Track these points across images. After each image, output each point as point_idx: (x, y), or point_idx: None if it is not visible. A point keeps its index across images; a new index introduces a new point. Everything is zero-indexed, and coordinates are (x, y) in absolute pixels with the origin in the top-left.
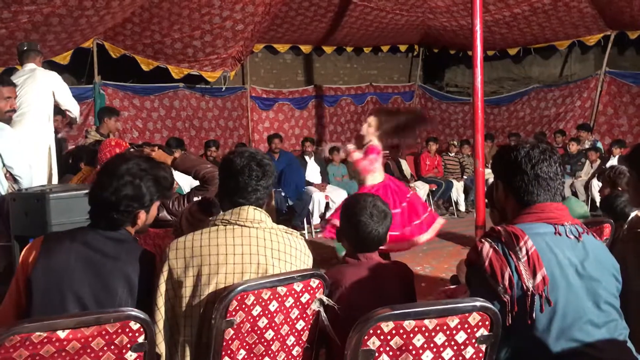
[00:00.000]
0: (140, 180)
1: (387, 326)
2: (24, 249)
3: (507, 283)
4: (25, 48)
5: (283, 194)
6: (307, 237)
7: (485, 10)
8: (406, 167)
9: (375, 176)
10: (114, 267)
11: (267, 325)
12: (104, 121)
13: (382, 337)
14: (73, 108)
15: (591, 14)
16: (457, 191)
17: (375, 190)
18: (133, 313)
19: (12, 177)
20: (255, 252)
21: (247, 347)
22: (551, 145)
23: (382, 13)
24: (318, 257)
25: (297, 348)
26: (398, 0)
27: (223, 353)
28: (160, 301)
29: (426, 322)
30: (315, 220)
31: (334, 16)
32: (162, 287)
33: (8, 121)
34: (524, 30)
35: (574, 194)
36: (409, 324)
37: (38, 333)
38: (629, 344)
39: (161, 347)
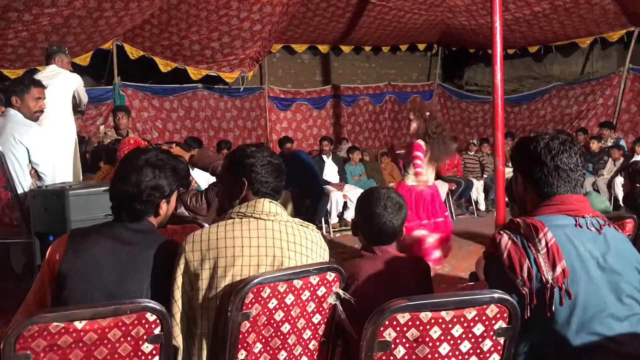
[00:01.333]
0: (159, 171)
1: (403, 317)
2: (50, 246)
3: (525, 275)
4: (50, 51)
5: (302, 194)
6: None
7: (505, 9)
8: None
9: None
10: (140, 258)
11: (283, 319)
12: (115, 121)
13: (398, 329)
14: (85, 102)
15: (613, 11)
16: (477, 190)
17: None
18: (150, 304)
19: (36, 175)
20: (271, 245)
21: (263, 340)
22: (571, 136)
23: (400, 13)
24: (337, 256)
25: (313, 342)
26: (416, 0)
27: (239, 346)
28: (177, 294)
29: (443, 313)
30: (333, 219)
31: (351, 16)
32: (179, 280)
33: (35, 121)
34: (544, 28)
35: (597, 192)
36: (425, 316)
37: (55, 323)
38: None
39: (178, 340)
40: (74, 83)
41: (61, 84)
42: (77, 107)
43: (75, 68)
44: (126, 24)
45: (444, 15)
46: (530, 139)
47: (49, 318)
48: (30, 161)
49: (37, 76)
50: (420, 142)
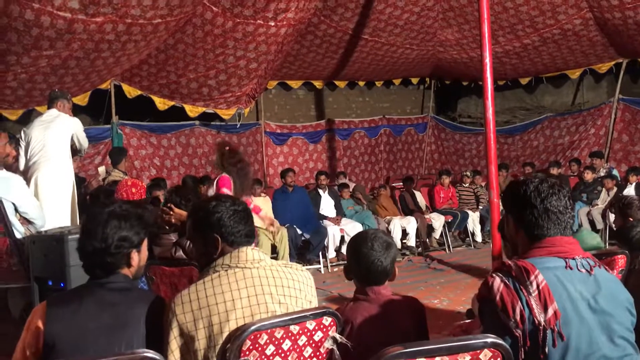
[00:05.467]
0: (125, 221)
1: None
2: (30, 317)
3: (518, 317)
4: (52, 96)
5: (298, 229)
6: (322, 271)
7: (495, 42)
8: (421, 199)
9: None
10: (126, 318)
11: None
12: (123, 161)
13: None
14: (85, 146)
15: (601, 42)
16: (473, 222)
17: None
18: (149, 354)
19: (26, 221)
20: (261, 292)
21: None
22: (559, 179)
23: (392, 48)
24: (336, 291)
25: None
26: (408, 35)
27: None
28: (172, 359)
29: (437, 359)
30: (331, 254)
31: (344, 52)
32: (173, 345)
33: (7, 165)
34: (534, 60)
35: (591, 222)
36: None
37: None
38: None
39: None
40: (73, 127)
41: (60, 128)
42: (77, 152)
43: (74, 108)
44: (123, 64)
45: (435, 49)
46: (520, 182)
47: None
48: (16, 211)
49: (38, 119)
50: (225, 175)
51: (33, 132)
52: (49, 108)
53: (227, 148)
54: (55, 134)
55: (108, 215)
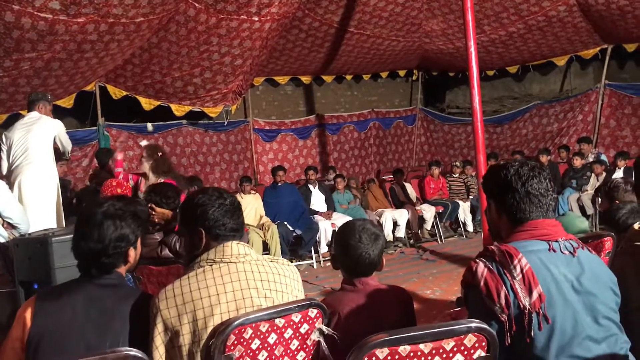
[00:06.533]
0: (120, 220)
1: (382, 353)
2: (18, 311)
3: (503, 302)
4: (32, 98)
5: (289, 226)
6: (315, 267)
7: (480, 31)
8: (411, 191)
9: None
10: (113, 314)
11: (267, 359)
12: (110, 162)
13: None
14: (69, 149)
15: (586, 29)
16: (464, 212)
17: None
18: (132, 353)
19: (10, 226)
20: (247, 287)
21: None
22: (541, 163)
23: (378, 40)
24: (329, 286)
25: None
26: (393, 27)
27: None
28: (157, 355)
29: (421, 346)
30: (323, 248)
31: (331, 45)
32: (158, 341)
33: None
34: (520, 48)
35: (582, 208)
36: (404, 349)
37: None
38: (631, 358)
39: None
40: (55, 129)
41: (42, 130)
42: (62, 155)
43: (59, 110)
44: (107, 64)
45: (421, 40)
46: (500, 166)
47: None
48: (0, 216)
49: (19, 122)
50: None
51: (14, 135)
52: (29, 111)
53: (160, 154)
54: (38, 136)
55: (103, 216)
